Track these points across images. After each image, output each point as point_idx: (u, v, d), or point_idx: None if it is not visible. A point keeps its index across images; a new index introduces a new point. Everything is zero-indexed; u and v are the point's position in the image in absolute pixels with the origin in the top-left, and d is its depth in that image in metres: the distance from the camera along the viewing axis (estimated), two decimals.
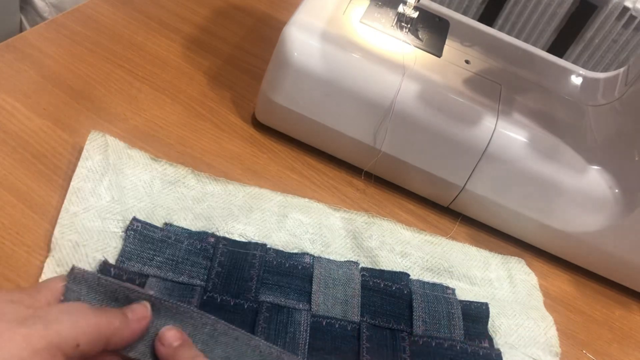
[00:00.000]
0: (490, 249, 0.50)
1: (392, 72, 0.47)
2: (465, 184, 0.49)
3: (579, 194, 0.47)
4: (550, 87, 0.54)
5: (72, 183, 0.40)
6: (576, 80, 0.56)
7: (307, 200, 0.47)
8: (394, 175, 0.51)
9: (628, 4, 1.14)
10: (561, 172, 0.46)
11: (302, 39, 0.47)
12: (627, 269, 0.50)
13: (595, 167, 0.47)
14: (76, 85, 0.49)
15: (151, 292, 0.33)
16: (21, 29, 1.09)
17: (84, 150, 0.42)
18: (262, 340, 0.34)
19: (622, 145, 0.48)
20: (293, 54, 0.46)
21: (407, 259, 0.45)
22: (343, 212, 0.47)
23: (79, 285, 0.30)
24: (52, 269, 0.35)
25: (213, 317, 0.33)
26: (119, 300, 0.31)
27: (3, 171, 0.41)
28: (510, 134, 0.46)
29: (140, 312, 0.30)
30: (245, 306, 0.38)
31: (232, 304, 0.38)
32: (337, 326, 0.39)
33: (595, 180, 0.47)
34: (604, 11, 1.16)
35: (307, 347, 0.37)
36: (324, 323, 0.39)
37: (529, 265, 0.50)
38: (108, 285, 0.31)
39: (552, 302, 0.48)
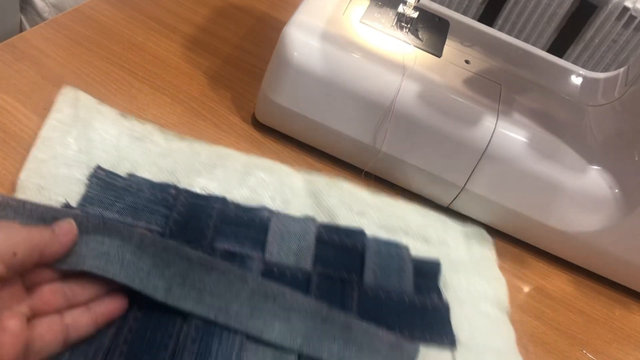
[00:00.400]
0: (490, 249, 0.50)
1: (392, 72, 0.47)
2: (465, 184, 0.49)
3: (579, 194, 0.47)
4: (550, 87, 0.54)
5: (41, 132, 0.42)
6: (576, 80, 0.56)
7: (271, 161, 0.48)
8: (394, 175, 0.51)
9: (628, 4, 1.14)
10: (561, 172, 0.46)
11: (302, 39, 0.47)
12: (627, 269, 0.50)
13: (595, 167, 0.47)
14: (76, 85, 0.49)
15: (76, 210, 0.34)
16: (21, 29, 1.09)
17: (55, 103, 0.44)
18: (193, 251, 0.35)
19: (622, 145, 0.48)
20: (293, 54, 0.46)
21: (364, 218, 0.46)
22: (305, 173, 0.48)
23: (5, 210, 0.32)
24: None
25: (141, 230, 0.34)
26: (47, 221, 0.33)
27: (3, 171, 0.41)
28: (510, 134, 0.46)
29: (66, 227, 0.32)
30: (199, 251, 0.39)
31: None
32: (288, 274, 0.40)
33: (595, 180, 0.47)
34: (604, 11, 1.16)
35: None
36: (276, 270, 0.40)
37: (529, 265, 0.50)
38: (33, 208, 0.33)
39: (552, 302, 0.48)
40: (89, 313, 0.32)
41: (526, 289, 0.49)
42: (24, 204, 0.33)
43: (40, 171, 0.39)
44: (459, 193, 0.49)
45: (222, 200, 0.42)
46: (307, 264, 0.41)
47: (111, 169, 0.41)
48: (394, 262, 0.43)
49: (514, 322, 0.45)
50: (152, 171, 0.43)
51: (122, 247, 0.33)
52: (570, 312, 0.48)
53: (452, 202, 0.51)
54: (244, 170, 0.46)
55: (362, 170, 0.52)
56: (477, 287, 0.45)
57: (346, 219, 0.45)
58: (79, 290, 0.32)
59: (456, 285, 0.44)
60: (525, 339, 0.44)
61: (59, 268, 0.32)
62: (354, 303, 0.39)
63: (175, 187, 0.42)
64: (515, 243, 0.52)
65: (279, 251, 0.41)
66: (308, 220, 0.44)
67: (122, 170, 0.42)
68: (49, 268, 0.32)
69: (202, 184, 0.43)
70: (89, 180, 0.40)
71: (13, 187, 0.40)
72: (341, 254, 0.42)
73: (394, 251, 0.44)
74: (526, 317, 0.46)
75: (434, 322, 0.41)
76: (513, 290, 0.48)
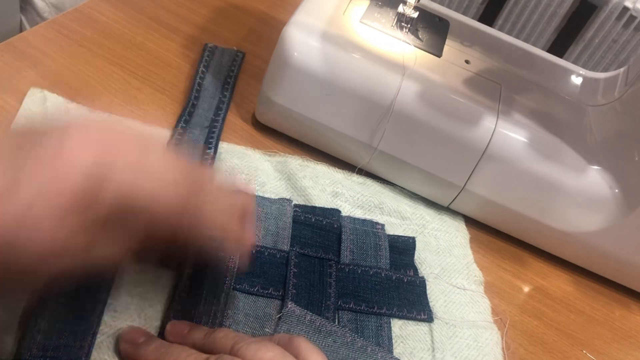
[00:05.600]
0: (490, 249, 0.50)
1: (392, 72, 0.47)
2: (465, 184, 0.49)
3: (579, 194, 0.47)
4: (550, 87, 0.54)
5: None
6: (576, 80, 0.56)
7: (242, 147, 0.49)
8: (394, 175, 0.51)
9: (628, 4, 1.14)
10: (561, 172, 0.46)
11: (302, 39, 0.47)
12: (627, 269, 0.49)
13: (595, 167, 0.47)
14: (76, 85, 0.49)
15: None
16: (21, 29, 1.09)
17: (23, 104, 0.44)
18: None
19: (622, 145, 0.48)
20: (293, 54, 0.46)
21: (338, 198, 0.48)
22: (278, 157, 0.49)
23: (290, 318, 0.37)
24: None
25: None
26: (321, 332, 0.36)
27: None
28: (510, 134, 0.46)
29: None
30: None
31: None
32: (266, 254, 0.40)
33: (595, 180, 0.47)
34: (604, 11, 1.16)
35: (235, 271, 0.38)
36: (254, 251, 0.40)
37: (529, 265, 0.50)
38: (314, 319, 0.37)
39: (552, 302, 0.48)
40: None
41: (526, 289, 0.49)
42: (305, 314, 0.36)
43: None
44: (459, 193, 0.49)
45: None
46: (285, 244, 0.42)
47: None
48: (369, 240, 0.44)
49: (514, 322, 0.45)
50: None
51: None
52: (570, 312, 0.48)
53: (452, 202, 0.51)
54: (217, 157, 0.47)
55: (362, 170, 0.51)
56: (449, 264, 0.46)
57: (321, 200, 0.46)
58: None
59: (430, 262, 0.46)
60: (526, 339, 0.44)
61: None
62: (333, 281, 0.41)
63: None
64: (515, 243, 0.52)
65: (256, 233, 0.41)
66: (284, 201, 0.45)
67: None
68: None
69: None
70: None
71: None
72: (318, 233, 0.43)
73: (369, 229, 0.45)
74: (526, 317, 0.46)
75: (411, 297, 0.42)
76: (513, 291, 0.48)
